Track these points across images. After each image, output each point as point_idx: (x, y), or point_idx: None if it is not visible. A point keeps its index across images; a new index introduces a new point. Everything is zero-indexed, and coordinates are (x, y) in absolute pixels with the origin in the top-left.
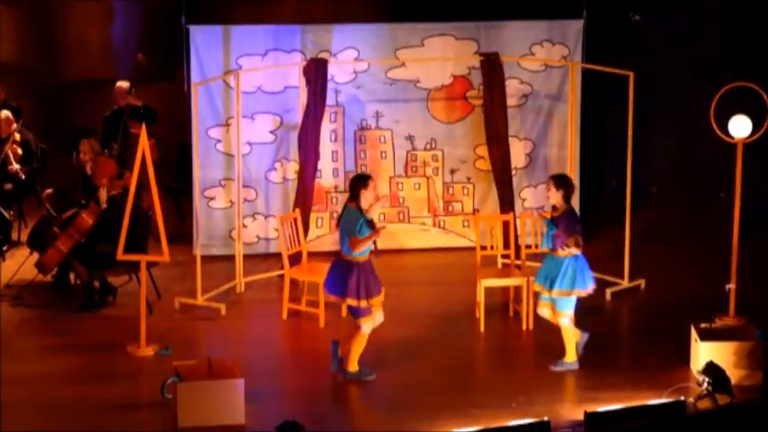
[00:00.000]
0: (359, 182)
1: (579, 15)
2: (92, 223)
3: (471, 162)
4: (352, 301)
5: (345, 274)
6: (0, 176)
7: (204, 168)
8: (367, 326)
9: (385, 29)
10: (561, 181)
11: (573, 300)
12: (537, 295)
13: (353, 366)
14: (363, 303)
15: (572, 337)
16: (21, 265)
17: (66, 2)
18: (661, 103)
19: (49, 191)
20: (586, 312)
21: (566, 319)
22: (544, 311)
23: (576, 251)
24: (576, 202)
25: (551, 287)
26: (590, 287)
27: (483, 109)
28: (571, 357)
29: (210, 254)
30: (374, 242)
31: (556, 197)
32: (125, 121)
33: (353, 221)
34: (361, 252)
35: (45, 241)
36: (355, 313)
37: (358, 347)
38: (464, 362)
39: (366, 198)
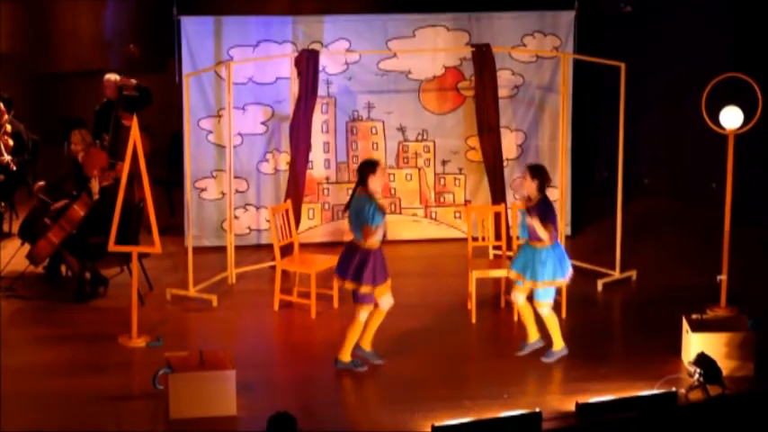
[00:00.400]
0: (367, 167)
1: (571, 6)
2: (83, 215)
3: (463, 153)
4: (366, 289)
5: (361, 261)
6: None
7: (196, 159)
8: (363, 314)
9: (376, 20)
10: (537, 171)
11: (553, 289)
12: (513, 282)
13: (346, 356)
14: (378, 290)
15: (556, 324)
16: (12, 256)
17: None
18: (653, 94)
19: (40, 183)
20: (577, 303)
21: (545, 309)
22: (519, 297)
23: (544, 235)
24: (567, 193)
25: (533, 278)
26: (568, 275)
27: (474, 100)
28: (559, 344)
29: (202, 245)
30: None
31: (531, 187)
32: (117, 112)
33: (364, 209)
34: (378, 238)
35: (36, 232)
36: (360, 299)
37: (353, 336)
38: (456, 353)
39: (374, 183)
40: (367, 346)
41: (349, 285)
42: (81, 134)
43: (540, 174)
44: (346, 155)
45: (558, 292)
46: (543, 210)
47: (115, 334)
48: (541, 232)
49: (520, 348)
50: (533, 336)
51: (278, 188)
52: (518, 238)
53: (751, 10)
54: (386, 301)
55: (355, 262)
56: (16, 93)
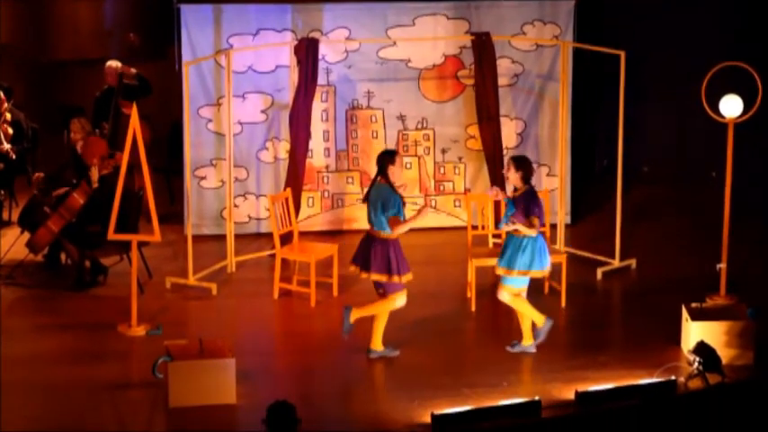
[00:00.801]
0: (386, 158)
1: None
2: (82, 203)
3: (462, 141)
4: (395, 279)
5: (384, 253)
6: None
7: (195, 148)
8: (399, 301)
9: (376, 8)
10: (520, 162)
11: (523, 279)
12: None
13: (378, 345)
14: (405, 279)
15: (528, 316)
16: (12, 244)
17: None
18: (653, 83)
19: (39, 174)
20: (577, 292)
21: (506, 295)
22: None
23: (531, 233)
24: (567, 181)
25: (509, 266)
26: (547, 268)
27: (474, 88)
28: (528, 341)
29: (201, 233)
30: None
31: (515, 178)
32: (116, 101)
33: (389, 201)
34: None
35: (36, 221)
36: (392, 290)
37: (372, 312)
38: (455, 341)
39: (394, 173)
40: (378, 347)
41: (371, 276)
42: (80, 122)
43: (523, 165)
44: (346, 143)
45: (557, 278)
46: (528, 201)
47: (115, 322)
48: (526, 231)
49: (512, 345)
50: (527, 340)
51: (277, 177)
52: (498, 226)
53: None
54: (399, 301)
55: (379, 254)
56: (16, 81)
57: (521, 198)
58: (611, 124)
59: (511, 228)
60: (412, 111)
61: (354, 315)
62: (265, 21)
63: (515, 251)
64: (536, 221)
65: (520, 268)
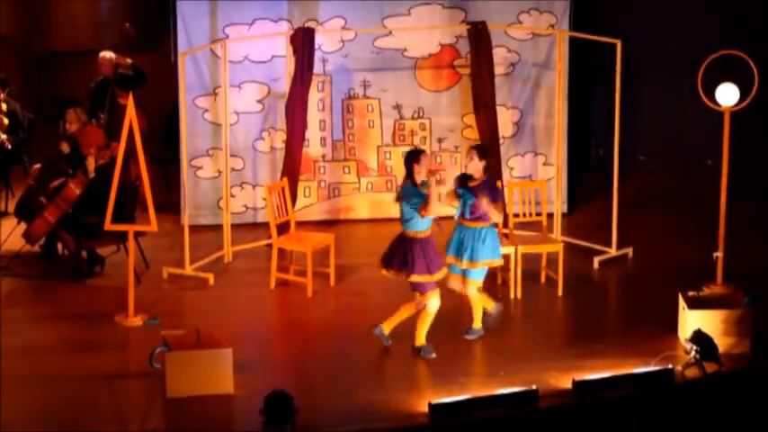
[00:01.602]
0: (411, 158)
1: None
2: (79, 193)
3: (459, 131)
4: (418, 278)
5: (409, 251)
6: None
7: (192, 138)
8: (433, 302)
9: None
10: (485, 152)
11: (486, 270)
12: (448, 267)
13: (421, 341)
14: (429, 278)
15: (480, 305)
16: (8, 235)
17: None
18: (649, 71)
19: (36, 166)
20: (574, 281)
21: (474, 289)
22: (454, 284)
23: (497, 217)
24: (563, 170)
25: (472, 258)
26: (500, 259)
27: (470, 78)
28: (478, 324)
29: (198, 223)
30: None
31: (476, 168)
32: (112, 91)
33: (410, 198)
34: (425, 226)
35: (32, 211)
36: (421, 289)
37: (425, 323)
38: (452, 330)
39: (419, 173)
40: (386, 329)
41: (398, 276)
42: (76, 113)
43: (486, 155)
44: (342, 133)
45: (554, 267)
46: (493, 190)
47: (112, 313)
48: (494, 214)
49: (467, 332)
50: (478, 323)
51: (274, 166)
52: (454, 217)
53: None
54: (433, 302)
55: (403, 251)
56: (12, 72)
57: (482, 188)
58: (607, 113)
59: (482, 203)
60: (408, 100)
61: (418, 339)
62: (261, 10)
63: (476, 243)
64: (501, 208)
65: (484, 259)
